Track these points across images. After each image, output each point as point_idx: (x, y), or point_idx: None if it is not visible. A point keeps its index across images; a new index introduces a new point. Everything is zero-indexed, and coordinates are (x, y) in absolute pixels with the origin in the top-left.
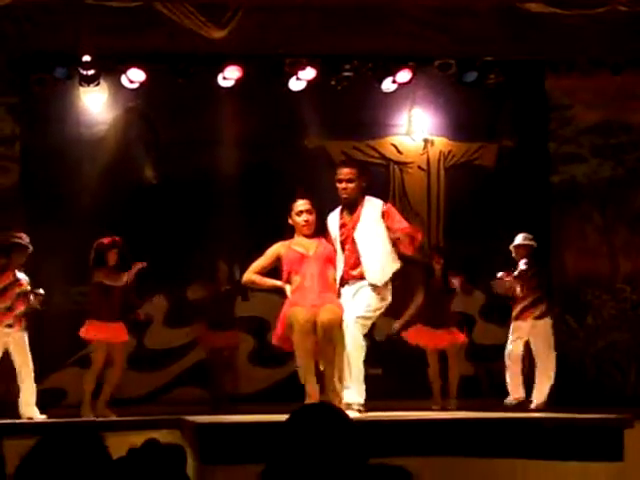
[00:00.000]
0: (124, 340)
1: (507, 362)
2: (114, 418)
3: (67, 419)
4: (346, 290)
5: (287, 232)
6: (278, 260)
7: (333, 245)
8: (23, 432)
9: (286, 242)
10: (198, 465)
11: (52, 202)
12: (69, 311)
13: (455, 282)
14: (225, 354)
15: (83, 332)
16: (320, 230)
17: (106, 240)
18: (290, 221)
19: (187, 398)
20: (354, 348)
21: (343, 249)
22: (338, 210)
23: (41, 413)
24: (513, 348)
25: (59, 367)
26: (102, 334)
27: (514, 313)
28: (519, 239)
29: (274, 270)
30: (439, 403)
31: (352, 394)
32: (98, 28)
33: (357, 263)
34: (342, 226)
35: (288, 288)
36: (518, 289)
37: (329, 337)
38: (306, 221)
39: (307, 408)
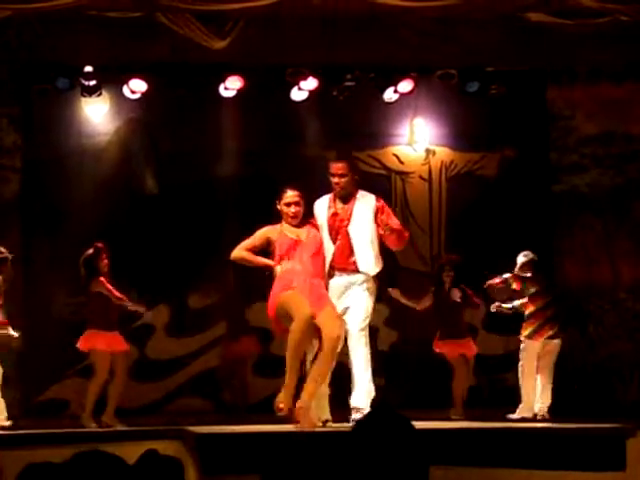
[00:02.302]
0: (124, 349)
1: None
2: (120, 428)
3: (70, 430)
4: (335, 282)
5: (274, 217)
6: (267, 243)
7: (319, 231)
8: (20, 444)
9: (276, 227)
10: (199, 476)
11: (53, 212)
12: (69, 322)
13: (456, 294)
14: (239, 363)
15: (81, 344)
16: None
17: (90, 251)
18: (278, 207)
19: (189, 408)
20: (366, 357)
21: (334, 239)
22: (327, 198)
23: (43, 423)
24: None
25: (60, 378)
26: (101, 344)
27: (525, 332)
28: (520, 258)
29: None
30: (460, 412)
31: (361, 398)
32: (100, 39)
33: (348, 255)
34: (333, 215)
35: (279, 268)
36: (514, 285)
37: (333, 353)
38: (294, 212)
39: (374, 416)
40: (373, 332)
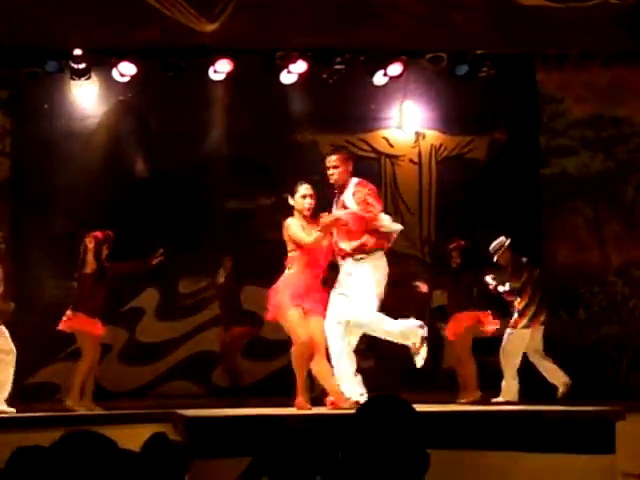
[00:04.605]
0: (99, 334)
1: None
2: (101, 412)
3: (58, 413)
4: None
5: (287, 210)
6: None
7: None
8: (9, 427)
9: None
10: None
11: (43, 196)
12: (60, 305)
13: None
14: (235, 346)
15: (63, 324)
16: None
17: (100, 234)
18: (291, 202)
19: (179, 391)
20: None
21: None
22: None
23: (32, 406)
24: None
25: (51, 361)
26: (82, 326)
27: (522, 323)
28: (493, 246)
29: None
30: (474, 395)
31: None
32: (89, 22)
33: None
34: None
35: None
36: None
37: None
38: (310, 204)
39: (377, 400)
40: None
